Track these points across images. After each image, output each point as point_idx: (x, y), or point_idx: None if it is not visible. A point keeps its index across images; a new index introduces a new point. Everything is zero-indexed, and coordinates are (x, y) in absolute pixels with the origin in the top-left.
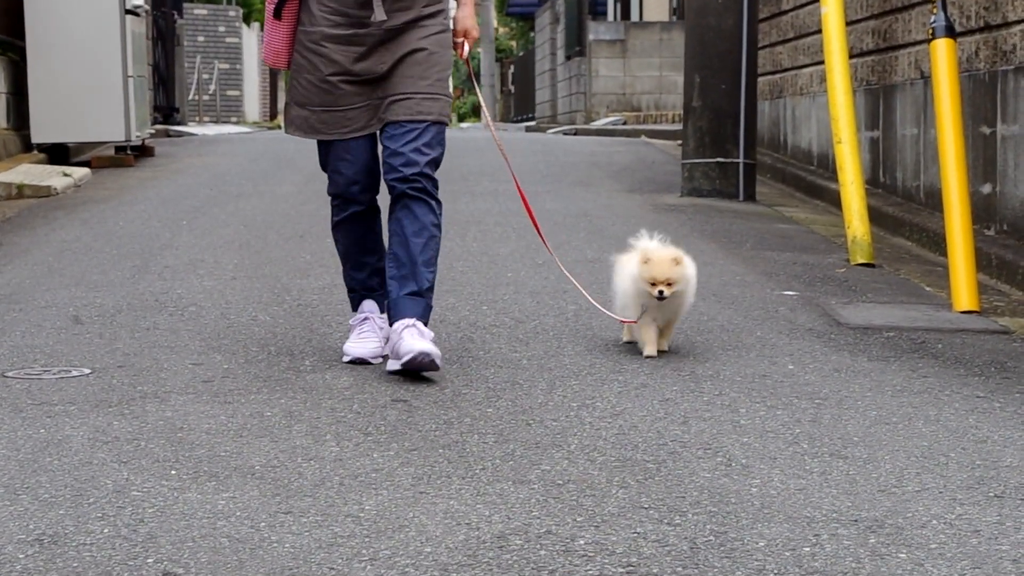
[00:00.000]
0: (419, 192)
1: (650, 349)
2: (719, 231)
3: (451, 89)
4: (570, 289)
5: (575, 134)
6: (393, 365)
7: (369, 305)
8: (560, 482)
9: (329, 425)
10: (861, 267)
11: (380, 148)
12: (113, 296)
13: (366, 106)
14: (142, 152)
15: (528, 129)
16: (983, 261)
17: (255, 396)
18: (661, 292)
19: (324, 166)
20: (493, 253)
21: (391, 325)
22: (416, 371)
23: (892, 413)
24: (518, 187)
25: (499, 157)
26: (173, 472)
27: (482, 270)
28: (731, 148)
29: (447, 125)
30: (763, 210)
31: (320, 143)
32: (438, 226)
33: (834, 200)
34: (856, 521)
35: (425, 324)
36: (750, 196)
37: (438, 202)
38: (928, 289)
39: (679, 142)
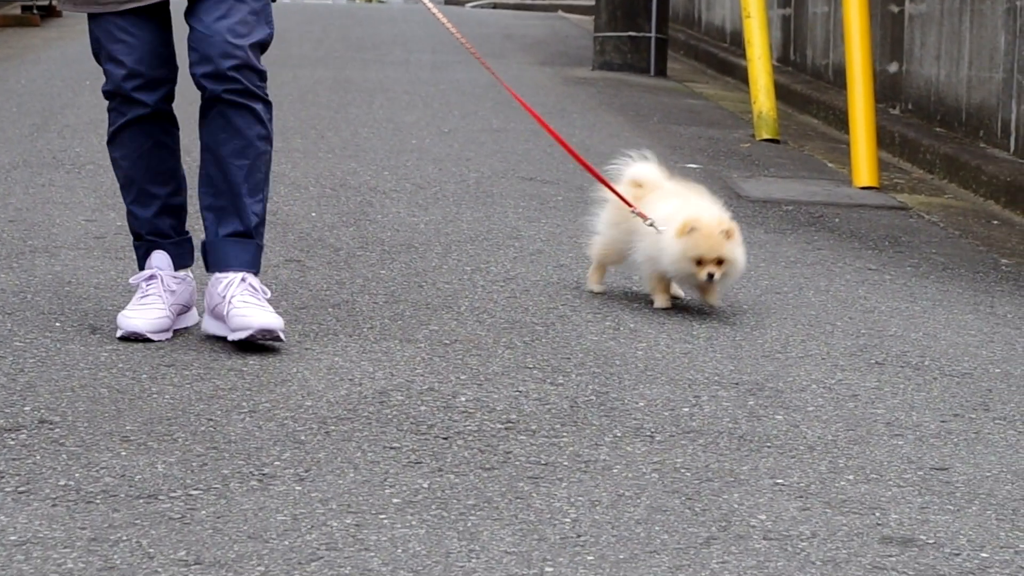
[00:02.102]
0: (238, 95)
1: (663, 300)
2: (627, 105)
3: None
4: (473, 157)
5: (493, 7)
6: (216, 328)
7: (159, 258)
8: (447, 342)
9: None
10: (766, 142)
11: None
12: (10, 153)
13: None
14: (49, 13)
15: (447, 2)
16: (887, 139)
17: None
18: (711, 275)
19: (97, 55)
20: (399, 121)
21: (209, 271)
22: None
23: (784, 283)
24: (480, 60)
25: (412, 28)
26: (57, 324)
27: (386, 137)
28: (643, 23)
29: None
30: (673, 85)
31: (91, 22)
32: (267, 138)
33: (745, 77)
34: (737, 384)
35: (256, 273)
36: (661, 71)
37: (267, 103)
38: (831, 165)
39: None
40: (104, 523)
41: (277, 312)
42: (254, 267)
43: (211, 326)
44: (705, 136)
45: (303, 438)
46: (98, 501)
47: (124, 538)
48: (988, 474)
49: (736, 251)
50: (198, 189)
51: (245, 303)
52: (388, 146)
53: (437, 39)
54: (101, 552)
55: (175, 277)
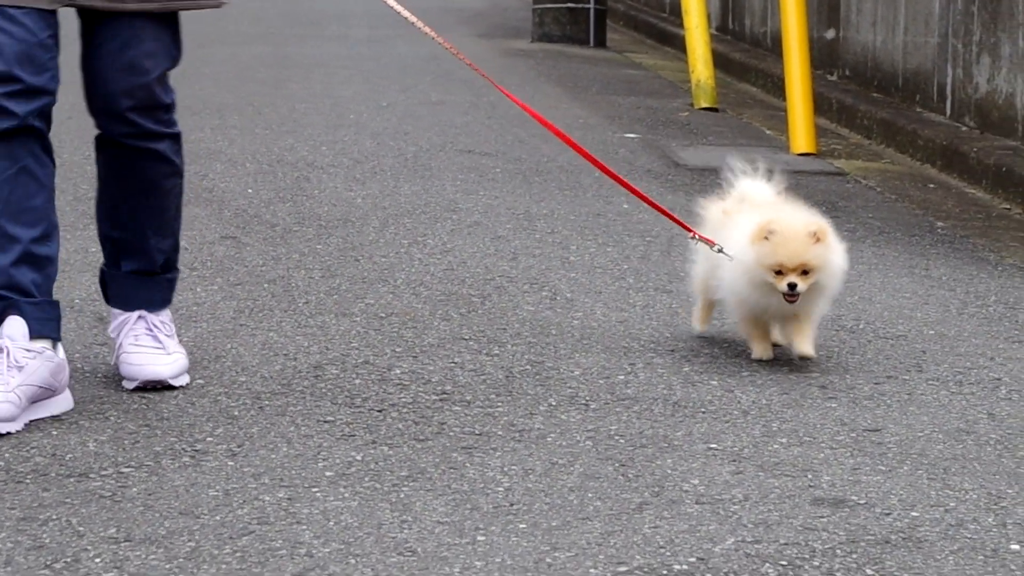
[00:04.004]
0: (139, 139)
1: (761, 349)
2: (566, 76)
3: None
4: (411, 130)
5: None
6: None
7: (10, 325)
8: (383, 315)
9: None
10: (704, 111)
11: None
12: None
13: None
14: None
15: None
16: (824, 105)
17: (81, 232)
18: (793, 286)
19: None
20: (337, 95)
21: (107, 303)
22: None
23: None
24: (451, 49)
25: (351, 3)
26: None
27: (324, 112)
28: None
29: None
30: (612, 56)
31: None
32: (176, 172)
33: (683, 47)
34: (673, 351)
35: (166, 304)
36: (600, 42)
37: (173, 137)
38: (769, 132)
39: None
40: (34, 502)
41: (215, 282)
42: (157, 306)
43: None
44: (644, 106)
45: (236, 414)
46: (28, 480)
47: (54, 517)
48: (920, 434)
49: (829, 257)
50: (96, 212)
51: (137, 348)
52: (326, 121)
53: (376, 14)
54: (31, 531)
55: (29, 350)
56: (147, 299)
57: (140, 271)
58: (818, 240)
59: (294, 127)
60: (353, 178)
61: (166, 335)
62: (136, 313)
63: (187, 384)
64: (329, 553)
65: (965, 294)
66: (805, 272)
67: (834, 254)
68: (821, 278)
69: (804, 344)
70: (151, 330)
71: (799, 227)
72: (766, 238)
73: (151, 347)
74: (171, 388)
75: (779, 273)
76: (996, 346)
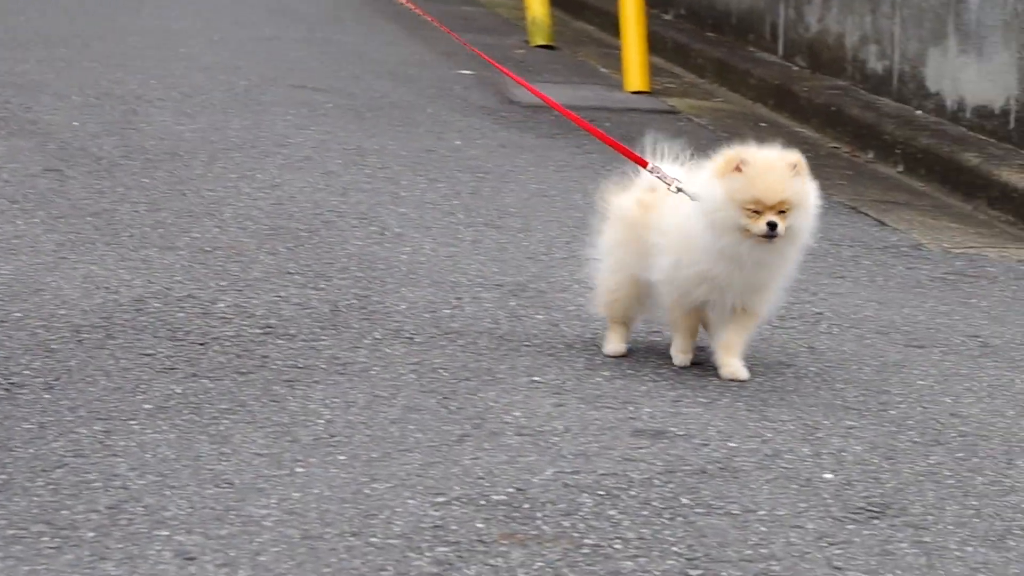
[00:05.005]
0: None
1: (682, 351)
2: (402, 12)
3: None
4: (244, 65)
5: None
6: None
7: None
8: (208, 249)
9: None
10: (540, 48)
11: None
12: None
13: None
14: None
15: None
16: (659, 45)
17: None
18: (773, 226)
19: None
20: (168, 29)
21: None
22: None
23: (552, 187)
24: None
25: None
26: None
27: (155, 45)
28: None
29: None
30: None
31: None
32: None
33: None
34: (500, 285)
35: None
36: None
37: None
38: (604, 71)
39: None
40: None
41: (37, 215)
42: None
43: None
44: (479, 43)
45: (55, 347)
46: None
47: None
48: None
49: (809, 194)
50: None
51: None
52: (156, 55)
53: None
54: None
55: None
56: None
57: None
58: (797, 173)
59: (123, 60)
60: (182, 112)
61: None
62: None
63: (4, 317)
64: (144, 485)
65: None
66: (783, 211)
67: (812, 193)
68: (798, 222)
69: (733, 358)
70: None
71: (775, 158)
72: (737, 170)
73: None
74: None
75: (756, 211)
76: (819, 282)
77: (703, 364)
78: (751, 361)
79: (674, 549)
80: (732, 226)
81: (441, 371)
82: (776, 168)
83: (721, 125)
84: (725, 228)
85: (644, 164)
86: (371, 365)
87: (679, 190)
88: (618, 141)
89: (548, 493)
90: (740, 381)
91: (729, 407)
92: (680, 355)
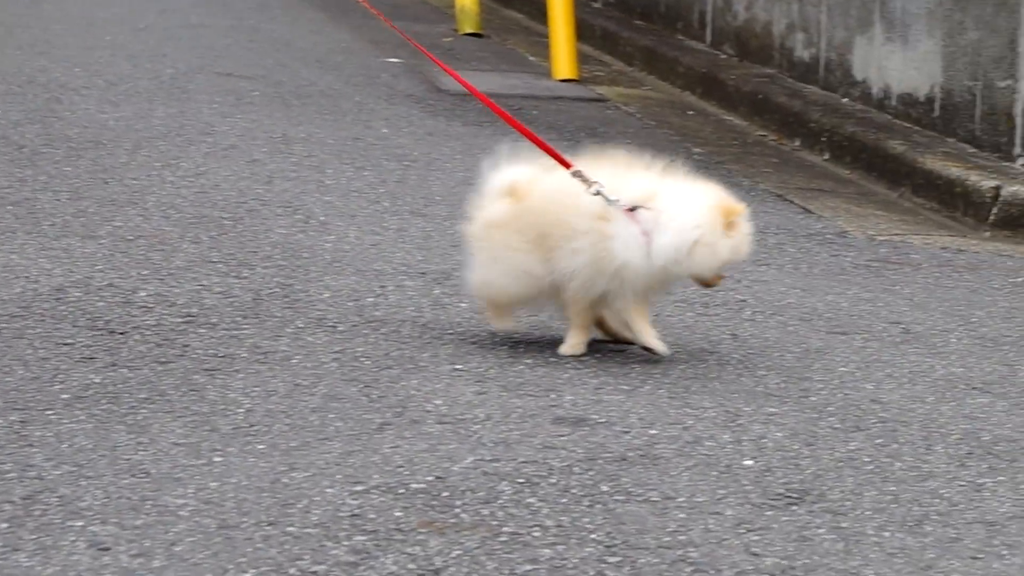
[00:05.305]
0: None
1: (580, 341)
2: (330, 1)
3: None
4: (170, 53)
5: None
6: None
7: None
8: (130, 238)
9: None
10: (469, 37)
11: None
12: None
13: None
14: None
15: None
16: (588, 32)
17: None
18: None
19: None
20: (93, 17)
21: None
22: None
23: (478, 174)
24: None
25: None
26: None
27: (80, 33)
28: None
29: None
30: None
31: None
32: None
33: None
34: (424, 274)
35: None
36: None
37: None
38: (532, 59)
39: None
40: None
41: None
42: None
43: None
44: (408, 31)
45: None
46: None
47: None
48: (664, 353)
49: None
50: None
51: None
52: (81, 42)
53: None
54: None
55: None
56: None
57: None
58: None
59: (47, 48)
60: (107, 100)
61: None
62: None
63: None
64: (60, 475)
65: None
66: None
67: None
68: None
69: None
70: None
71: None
72: (732, 227)
73: None
74: None
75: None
76: (743, 269)
77: (626, 352)
78: (673, 348)
79: (592, 536)
80: (713, 275)
81: (363, 359)
82: (746, 223)
83: (649, 113)
84: (709, 277)
85: (568, 166)
86: (293, 354)
87: (598, 193)
88: (544, 140)
89: (468, 481)
90: (658, 355)
91: (651, 394)
92: (579, 347)
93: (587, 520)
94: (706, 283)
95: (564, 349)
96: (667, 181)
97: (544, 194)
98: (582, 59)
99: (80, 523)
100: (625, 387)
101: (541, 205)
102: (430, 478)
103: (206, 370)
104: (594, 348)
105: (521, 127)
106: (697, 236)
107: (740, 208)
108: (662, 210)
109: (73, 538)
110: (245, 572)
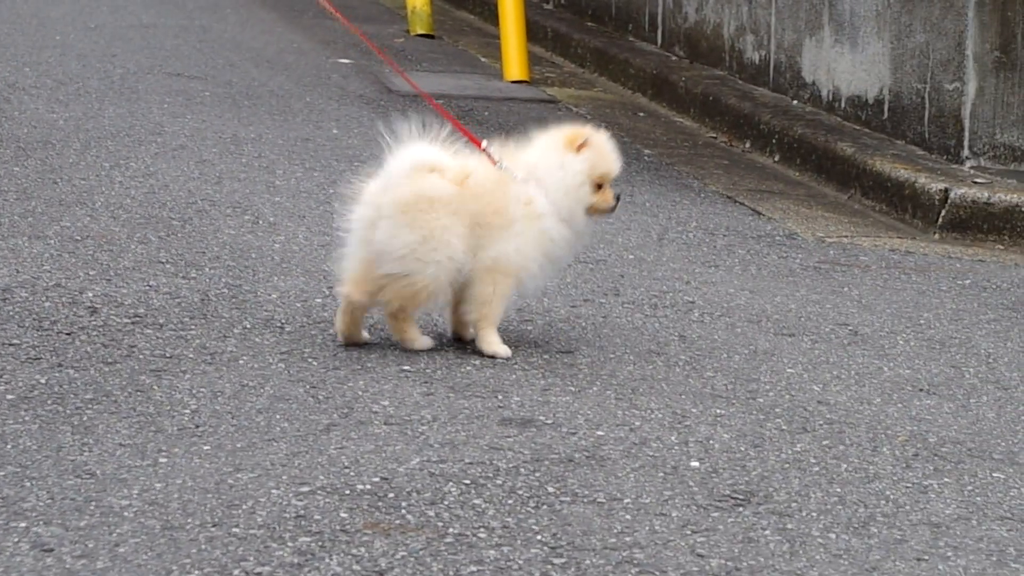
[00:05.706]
0: None
1: (417, 336)
2: (282, 1)
3: None
4: (120, 53)
5: None
6: None
7: None
8: (78, 238)
9: None
10: (420, 38)
11: None
12: None
13: None
14: None
15: None
16: (540, 34)
17: None
18: (618, 197)
19: None
20: (43, 16)
21: None
22: None
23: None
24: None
25: None
26: None
27: (29, 32)
28: None
29: None
30: None
31: None
32: None
33: None
34: None
35: None
36: None
37: None
38: (484, 60)
39: None
40: None
41: None
42: None
43: None
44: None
45: None
46: None
47: None
48: (612, 356)
49: None
50: None
51: None
52: (30, 42)
53: None
54: None
55: None
56: None
57: None
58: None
59: None
60: (56, 100)
61: None
62: None
63: None
64: (4, 476)
65: (667, 220)
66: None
67: None
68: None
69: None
70: None
71: (600, 134)
72: (584, 146)
73: None
74: None
75: (599, 186)
76: (693, 270)
77: (573, 352)
78: (621, 350)
79: (538, 538)
80: (583, 201)
81: (311, 360)
82: (609, 143)
83: (600, 114)
84: (576, 203)
85: (478, 144)
86: (240, 354)
87: (503, 167)
88: (461, 124)
89: (413, 482)
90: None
91: (598, 396)
92: (425, 343)
93: (533, 521)
94: (601, 209)
95: (499, 351)
96: (528, 146)
97: (482, 182)
98: (534, 60)
99: (23, 524)
100: (572, 389)
101: (480, 192)
102: (376, 479)
103: (152, 371)
104: (542, 350)
105: (440, 108)
106: (563, 174)
107: (582, 131)
108: (540, 174)
109: (16, 539)
110: (189, 573)
